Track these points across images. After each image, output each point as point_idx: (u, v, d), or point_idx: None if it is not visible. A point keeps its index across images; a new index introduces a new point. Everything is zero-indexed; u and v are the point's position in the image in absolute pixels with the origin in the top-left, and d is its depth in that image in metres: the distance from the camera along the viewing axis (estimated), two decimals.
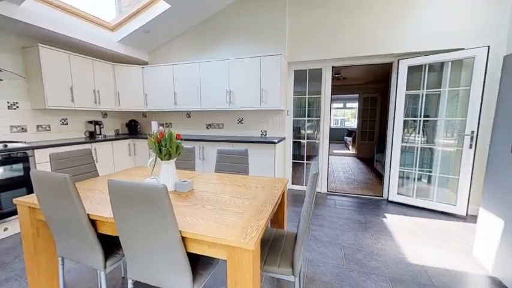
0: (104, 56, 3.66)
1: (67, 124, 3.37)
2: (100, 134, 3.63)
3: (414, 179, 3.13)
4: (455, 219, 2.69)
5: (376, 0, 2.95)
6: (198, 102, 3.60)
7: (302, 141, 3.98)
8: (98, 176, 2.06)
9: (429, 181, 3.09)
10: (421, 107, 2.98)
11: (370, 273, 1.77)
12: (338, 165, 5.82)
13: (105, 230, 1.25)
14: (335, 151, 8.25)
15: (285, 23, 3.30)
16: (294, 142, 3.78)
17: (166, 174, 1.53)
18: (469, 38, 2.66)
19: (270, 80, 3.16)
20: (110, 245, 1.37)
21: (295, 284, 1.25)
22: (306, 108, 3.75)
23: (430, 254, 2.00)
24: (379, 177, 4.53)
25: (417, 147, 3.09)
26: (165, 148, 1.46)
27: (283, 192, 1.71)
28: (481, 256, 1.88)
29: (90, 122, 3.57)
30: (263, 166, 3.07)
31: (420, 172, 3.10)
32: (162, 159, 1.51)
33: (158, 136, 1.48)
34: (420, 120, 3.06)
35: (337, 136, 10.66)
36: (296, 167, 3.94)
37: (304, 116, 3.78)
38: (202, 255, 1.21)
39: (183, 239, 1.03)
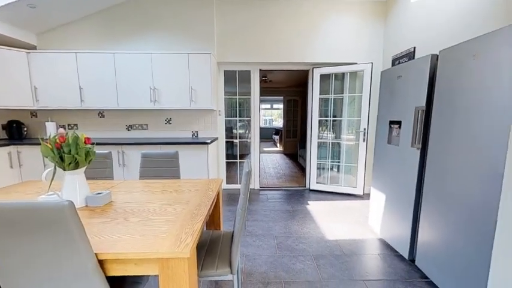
0: None
1: None
2: None
3: (328, 169, 3.75)
4: (356, 198, 3.38)
5: (294, 14, 3.32)
6: (114, 100, 3.08)
7: (235, 140, 4.06)
8: None
9: (338, 170, 3.76)
10: (331, 109, 3.60)
11: (299, 256, 2.00)
12: (268, 162, 6.26)
13: None
14: (265, 149, 8.84)
15: (213, 22, 3.26)
16: (226, 142, 3.81)
17: (72, 187, 1.24)
18: (360, 55, 3.39)
19: (199, 78, 3.06)
20: None
21: (234, 282, 1.27)
22: (237, 109, 3.84)
23: (340, 229, 2.45)
24: (302, 170, 5.17)
25: (329, 142, 3.70)
26: (69, 155, 1.18)
27: (218, 193, 1.70)
28: (373, 224, 2.44)
29: None
30: (196, 168, 2.95)
31: (332, 163, 3.74)
32: (65, 170, 1.21)
33: (58, 140, 1.18)
34: (330, 120, 3.68)
35: (267, 135, 11.44)
36: (230, 166, 3.99)
37: (236, 116, 3.87)
38: (128, 276, 1.05)
39: (101, 262, 0.86)
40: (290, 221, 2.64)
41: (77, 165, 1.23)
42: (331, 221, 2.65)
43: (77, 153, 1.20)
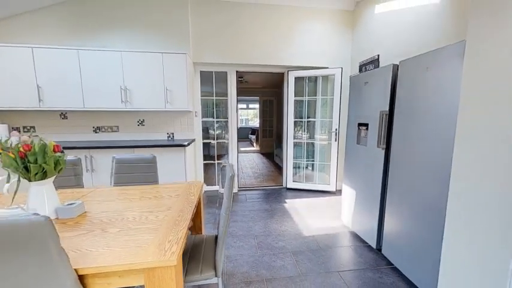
0: None
1: None
2: None
3: (303, 168, 3.92)
4: (330, 195, 3.60)
5: (269, 18, 3.39)
6: (79, 100, 2.85)
7: (212, 141, 4.03)
8: None
9: (313, 168, 3.95)
10: (305, 110, 3.77)
11: (278, 253, 2.08)
12: (246, 162, 6.30)
13: None
14: (242, 149, 8.86)
15: (188, 22, 3.19)
16: (203, 143, 3.75)
17: (40, 199, 1.14)
18: (331, 60, 3.59)
19: (175, 79, 2.97)
20: None
21: (219, 284, 1.29)
22: (214, 109, 3.82)
23: (316, 225, 2.60)
24: (279, 169, 5.31)
25: (304, 142, 3.88)
26: (36, 165, 1.09)
27: (200, 197, 1.70)
28: (345, 219, 2.63)
29: None
30: (173, 171, 2.87)
31: (307, 162, 3.92)
32: (30, 180, 1.11)
33: (21, 149, 1.08)
34: (305, 121, 3.85)
35: (243, 135, 11.47)
36: (207, 167, 3.94)
37: (213, 117, 3.84)
38: None
39: (81, 277, 0.83)
40: (269, 220, 2.72)
41: (44, 175, 1.14)
42: (307, 217, 2.80)
43: (45, 163, 1.11)
